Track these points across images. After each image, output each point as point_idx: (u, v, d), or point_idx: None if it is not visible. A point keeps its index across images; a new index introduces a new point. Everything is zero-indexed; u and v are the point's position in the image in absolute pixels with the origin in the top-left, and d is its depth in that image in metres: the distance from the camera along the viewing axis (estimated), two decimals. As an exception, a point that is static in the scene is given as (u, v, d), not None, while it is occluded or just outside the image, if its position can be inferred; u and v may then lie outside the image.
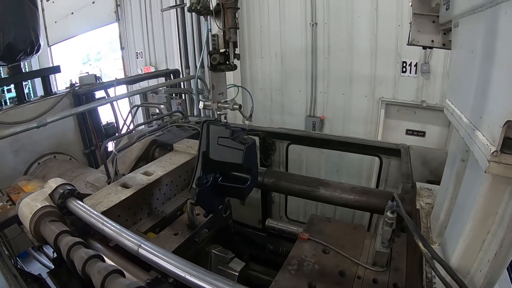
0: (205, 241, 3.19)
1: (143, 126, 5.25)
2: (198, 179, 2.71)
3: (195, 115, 6.43)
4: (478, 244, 1.49)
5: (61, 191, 2.69)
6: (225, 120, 3.38)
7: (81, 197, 2.79)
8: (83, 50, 15.72)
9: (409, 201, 2.82)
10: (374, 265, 2.55)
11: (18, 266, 4.06)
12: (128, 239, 2.11)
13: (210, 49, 3.17)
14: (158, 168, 3.57)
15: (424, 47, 3.16)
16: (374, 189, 3.97)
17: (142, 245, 2.02)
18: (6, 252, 3.47)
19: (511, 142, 1.16)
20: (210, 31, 3.13)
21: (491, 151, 1.19)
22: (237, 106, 3.35)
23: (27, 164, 5.09)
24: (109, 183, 3.52)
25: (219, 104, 3.36)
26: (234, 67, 3.28)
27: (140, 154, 4.19)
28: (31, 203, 2.65)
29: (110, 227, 2.25)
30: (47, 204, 2.63)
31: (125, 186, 3.27)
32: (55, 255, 2.62)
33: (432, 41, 2.84)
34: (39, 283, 3.26)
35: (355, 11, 7.14)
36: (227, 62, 3.22)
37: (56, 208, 2.63)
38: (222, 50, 3.16)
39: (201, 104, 3.46)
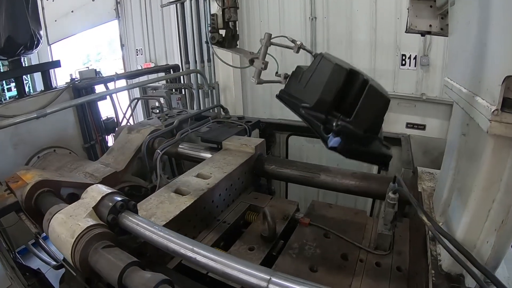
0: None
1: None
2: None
3: (195, 109, 6.43)
4: (483, 214, 1.47)
5: (110, 204, 2.10)
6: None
7: (136, 210, 2.25)
8: (83, 50, 15.72)
9: (410, 185, 2.79)
10: (376, 248, 2.53)
11: (17, 260, 4.04)
12: (251, 273, 1.57)
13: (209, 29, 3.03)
14: (214, 170, 3.19)
15: (422, 34, 3.16)
16: (375, 174, 3.94)
17: (272, 278, 1.50)
18: (4, 245, 3.45)
19: (511, 101, 1.16)
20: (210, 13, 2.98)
21: (492, 110, 1.19)
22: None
23: (27, 157, 5.08)
24: (151, 188, 3.40)
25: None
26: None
27: (140, 144, 4.15)
28: (70, 221, 2.05)
29: (216, 258, 1.69)
30: (95, 223, 2.03)
31: (179, 192, 2.87)
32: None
33: (430, 25, 2.85)
34: (38, 278, 3.25)
35: (354, 4, 7.12)
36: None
37: (106, 227, 2.06)
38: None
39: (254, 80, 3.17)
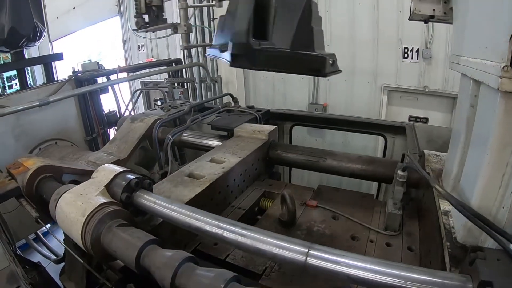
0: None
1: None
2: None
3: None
4: (497, 179, 1.44)
5: (124, 182, 2.00)
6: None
7: (152, 189, 2.16)
8: (84, 48, 15.71)
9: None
10: (386, 229, 2.51)
11: (17, 253, 4.03)
12: (287, 247, 1.46)
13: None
14: (228, 155, 3.11)
15: (425, 21, 3.16)
16: (382, 158, 3.92)
17: (310, 251, 1.40)
18: (4, 235, 3.43)
19: (520, 58, 1.17)
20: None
21: (502, 67, 1.20)
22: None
23: (28, 149, 5.04)
24: (161, 174, 3.30)
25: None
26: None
27: (144, 132, 4.14)
28: (80, 199, 1.91)
29: (246, 233, 1.57)
30: (108, 200, 1.91)
31: (193, 176, 2.79)
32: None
33: (434, 10, 2.84)
34: (38, 271, 3.22)
35: (356, -2, 7.15)
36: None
37: (120, 206, 1.95)
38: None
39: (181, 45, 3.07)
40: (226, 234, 1.59)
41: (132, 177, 2.03)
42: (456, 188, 1.99)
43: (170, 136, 3.57)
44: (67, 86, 5.37)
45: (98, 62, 6.08)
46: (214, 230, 1.62)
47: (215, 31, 2.63)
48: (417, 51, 6.91)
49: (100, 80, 5.80)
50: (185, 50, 7.46)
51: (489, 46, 1.42)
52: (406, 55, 7.03)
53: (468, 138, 1.87)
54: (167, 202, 1.89)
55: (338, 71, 2.29)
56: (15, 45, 5.03)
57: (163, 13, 3.09)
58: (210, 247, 2.33)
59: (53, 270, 3.61)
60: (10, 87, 11.00)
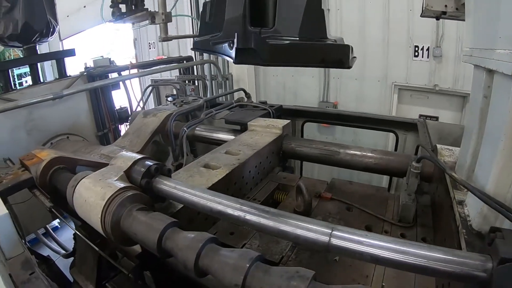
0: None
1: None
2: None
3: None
4: None
5: (143, 168, 2.02)
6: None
7: (170, 175, 2.18)
8: (94, 47, 15.80)
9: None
10: (400, 221, 2.52)
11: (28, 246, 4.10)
12: (311, 228, 1.46)
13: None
14: (243, 147, 3.16)
15: (437, 18, 3.17)
16: (394, 152, 3.92)
17: (334, 231, 1.40)
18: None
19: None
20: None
21: None
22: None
23: (40, 143, 5.11)
24: (176, 166, 3.31)
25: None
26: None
27: (156, 127, 4.18)
28: (99, 184, 1.94)
29: (268, 216, 1.58)
30: (128, 185, 1.94)
31: (209, 167, 2.80)
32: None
33: (446, 6, 2.86)
34: (47, 264, 3.27)
35: (367, -4, 7.16)
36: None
37: (140, 191, 1.96)
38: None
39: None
40: (248, 216, 1.59)
41: (151, 163, 2.06)
42: (470, 178, 2.02)
43: (185, 128, 3.61)
44: (79, 81, 5.45)
45: (109, 58, 6.14)
46: (237, 213, 1.63)
47: (200, 19, 2.48)
48: (428, 49, 6.90)
49: (112, 77, 5.87)
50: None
51: (503, 35, 1.49)
52: (416, 53, 7.02)
53: (482, 129, 1.90)
54: (187, 187, 1.89)
55: (355, 57, 2.25)
56: (28, 41, 5.08)
57: (143, 2, 3.00)
58: (226, 236, 2.36)
59: (62, 265, 3.67)
60: (21, 84, 11.10)
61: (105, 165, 2.83)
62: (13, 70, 9.62)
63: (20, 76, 10.95)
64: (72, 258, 5.17)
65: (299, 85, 8.44)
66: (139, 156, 2.14)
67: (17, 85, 11.05)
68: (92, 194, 1.91)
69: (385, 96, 7.52)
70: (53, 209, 2.84)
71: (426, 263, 1.20)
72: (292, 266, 2.04)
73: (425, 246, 1.26)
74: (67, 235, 7.34)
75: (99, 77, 5.58)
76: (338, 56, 2.04)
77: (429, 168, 2.72)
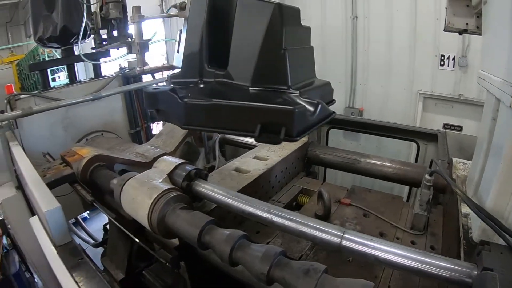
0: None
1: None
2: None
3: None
4: (510, 185, 1.65)
5: (184, 172, 2.29)
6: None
7: (207, 179, 2.45)
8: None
9: (446, 173, 2.98)
10: (412, 229, 2.72)
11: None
12: (326, 230, 1.70)
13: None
14: (270, 153, 3.40)
15: (460, 33, 3.32)
16: (412, 163, 4.09)
17: (345, 234, 1.65)
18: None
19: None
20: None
21: None
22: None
23: (76, 139, 5.48)
24: (209, 168, 3.49)
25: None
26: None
27: (189, 129, 4.41)
28: (146, 185, 2.21)
29: (292, 218, 1.81)
30: (171, 186, 2.21)
31: (239, 171, 3.05)
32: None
33: (467, 24, 3.00)
34: None
35: (394, 5, 7.23)
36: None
37: (180, 191, 2.22)
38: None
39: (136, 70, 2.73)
40: (275, 218, 1.86)
41: (191, 168, 2.34)
42: (476, 193, 2.18)
43: (219, 132, 3.81)
44: (114, 82, 5.79)
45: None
46: (265, 215, 1.89)
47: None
48: (453, 59, 6.90)
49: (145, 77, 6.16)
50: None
51: (507, 67, 1.61)
52: (442, 62, 7.04)
53: (489, 148, 2.05)
54: (223, 190, 2.15)
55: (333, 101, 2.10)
56: (66, 42, 5.43)
57: (127, 27, 2.90)
58: (252, 234, 2.63)
59: (91, 255, 3.99)
60: (54, 79, 11.59)
61: (141, 163, 3.08)
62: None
63: (53, 71, 11.39)
64: (100, 248, 5.52)
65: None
66: (180, 161, 2.42)
67: (50, 80, 11.61)
68: (139, 193, 2.17)
69: (410, 104, 7.57)
70: (94, 203, 3.10)
71: (421, 267, 1.43)
72: (309, 263, 2.31)
73: (421, 252, 1.49)
74: (95, 226, 7.76)
75: (134, 78, 5.89)
76: (274, 127, 1.77)
77: (443, 180, 2.90)
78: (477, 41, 6.49)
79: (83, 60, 5.63)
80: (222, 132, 2.44)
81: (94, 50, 5.47)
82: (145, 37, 2.52)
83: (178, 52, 2.29)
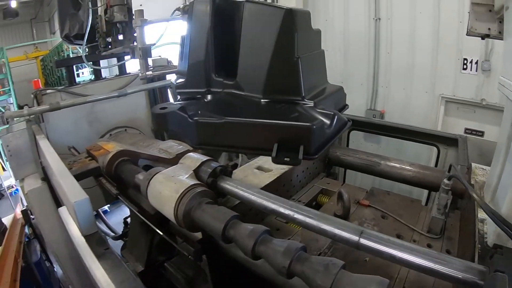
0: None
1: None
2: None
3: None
4: None
5: (209, 169, 2.35)
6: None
7: (231, 176, 2.51)
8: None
9: (464, 178, 3.00)
10: (429, 232, 2.77)
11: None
12: (346, 229, 1.75)
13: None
14: None
15: (482, 37, 3.33)
16: (432, 167, 4.12)
17: (363, 233, 1.69)
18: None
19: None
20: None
21: None
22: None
23: (100, 134, 5.67)
24: (232, 166, 3.54)
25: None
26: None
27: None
28: (173, 180, 2.27)
29: (313, 215, 1.87)
30: (198, 182, 2.26)
31: (261, 169, 3.10)
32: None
33: (489, 29, 3.01)
34: None
35: (417, 7, 7.19)
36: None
37: (206, 187, 2.27)
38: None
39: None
40: (296, 215, 1.93)
41: (216, 165, 2.42)
42: (493, 199, 2.21)
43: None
44: (138, 79, 5.86)
45: (167, 59, 6.58)
46: (287, 212, 1.96)
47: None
48: (476, 63, 6.82)
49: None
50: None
51: None
52: (465, 66, 6.96)
53: (507, 154, 2.08)
54: (247, 187, 2.23)
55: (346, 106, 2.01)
56: (92, 40, 5.51)
57: (133, 30, 2.82)
58: (273, 231, 2.69)
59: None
60: (78, 75, 11.84)
61: (165, 159, 3.16)
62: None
63: (77, 67, 11.63)
64: (120, 241, 5.66)
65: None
66: (205, 158, 2.50)
67: (75, 75, 11.90)
68: (166, 187, 2.25)
69: (432, 107, 7.52)
70: (119, 196, 3.20)
71: (434, 267, 1.50)
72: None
73: (435, 253, 1.55)
74: (115, 219, 8.01)
75: (157, 76, 6.04)
76: (291, 144, 1.82)
77: (462, 185, 2.92)
78: (501, 45, 6.30)
79: (108, 57, 5.78)
80: (237, 151, 2.48)
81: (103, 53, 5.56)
82: (153, 41, 2.40)
83: (182, 60, 2.26)
